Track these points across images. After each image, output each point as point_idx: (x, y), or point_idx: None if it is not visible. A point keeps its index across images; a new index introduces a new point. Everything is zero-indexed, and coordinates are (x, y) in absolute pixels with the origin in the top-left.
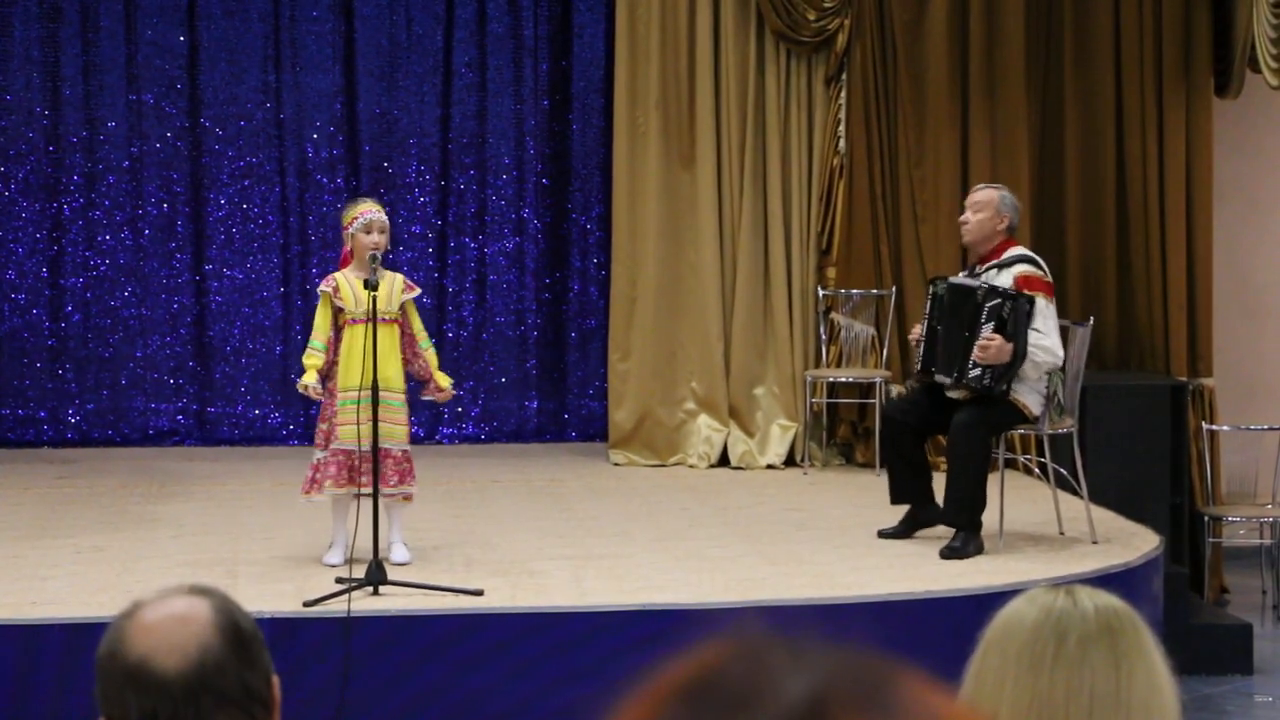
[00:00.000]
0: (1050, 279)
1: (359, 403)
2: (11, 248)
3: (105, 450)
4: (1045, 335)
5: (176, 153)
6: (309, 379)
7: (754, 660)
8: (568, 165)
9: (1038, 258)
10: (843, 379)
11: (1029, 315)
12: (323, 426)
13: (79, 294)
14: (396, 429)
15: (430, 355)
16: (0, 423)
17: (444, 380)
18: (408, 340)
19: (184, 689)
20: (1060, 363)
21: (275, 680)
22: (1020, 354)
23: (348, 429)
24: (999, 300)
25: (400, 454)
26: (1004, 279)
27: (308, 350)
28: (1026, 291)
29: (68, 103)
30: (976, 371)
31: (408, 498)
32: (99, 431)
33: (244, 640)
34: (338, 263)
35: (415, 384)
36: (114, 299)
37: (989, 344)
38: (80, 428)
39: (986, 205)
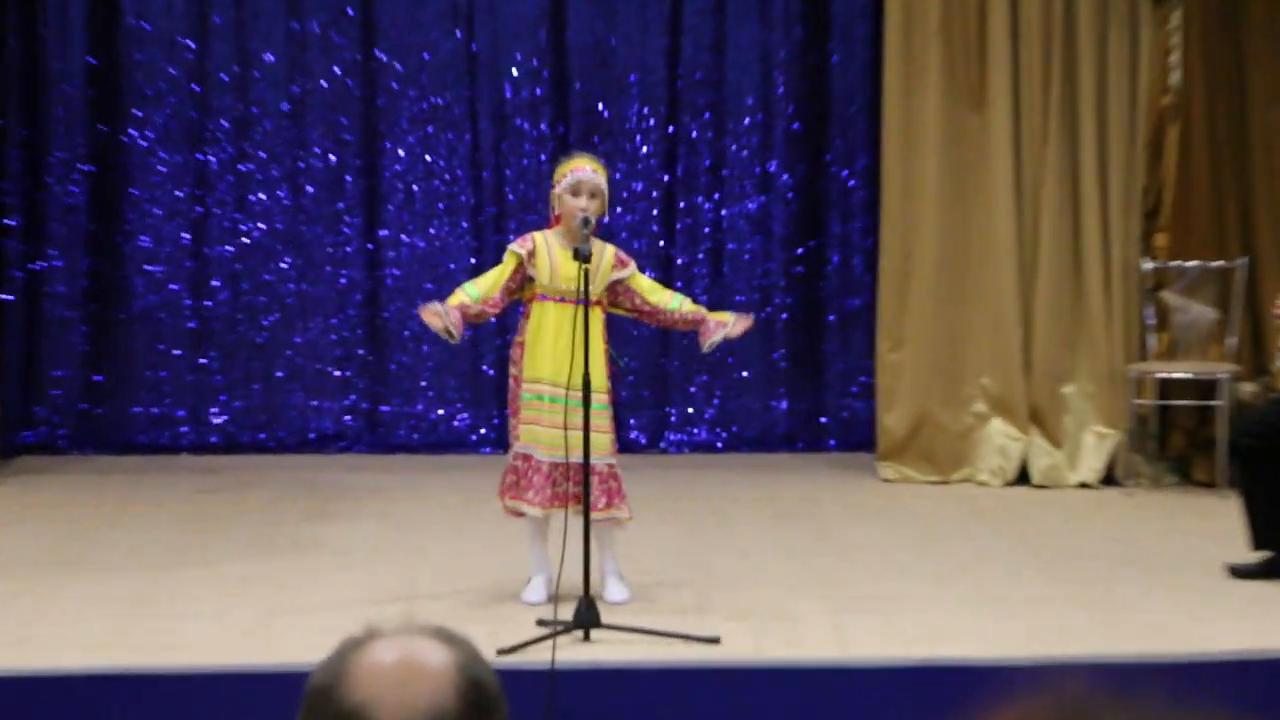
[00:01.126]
0: None
1: (547, 400)
2: (146, 209)
3: (256, 458)
4: None
5: (346, 93)
6: (445, 308)
7: None
8: (825, 107)
9: None
10: (1176, 375)
11: None
12: (512, 422)
13: (226, 266)
14: (600, 438)
15: (687, 306)
16: (131, 423)
17: (723, 315)
18: (651, 315)
19: None
20: None
21: None
22: None
23: (532, 431)
24: None
25: (606, 470)
26: None
27: (466, 285)
28: None
29: (216, 32)
30: None
31: (619, 522)
32: (248, 435)
33: (485, 708)
34: (549, 224)
35: (689, 338)
36: (268, 272)
37: None
38: (226, 430)
39: None
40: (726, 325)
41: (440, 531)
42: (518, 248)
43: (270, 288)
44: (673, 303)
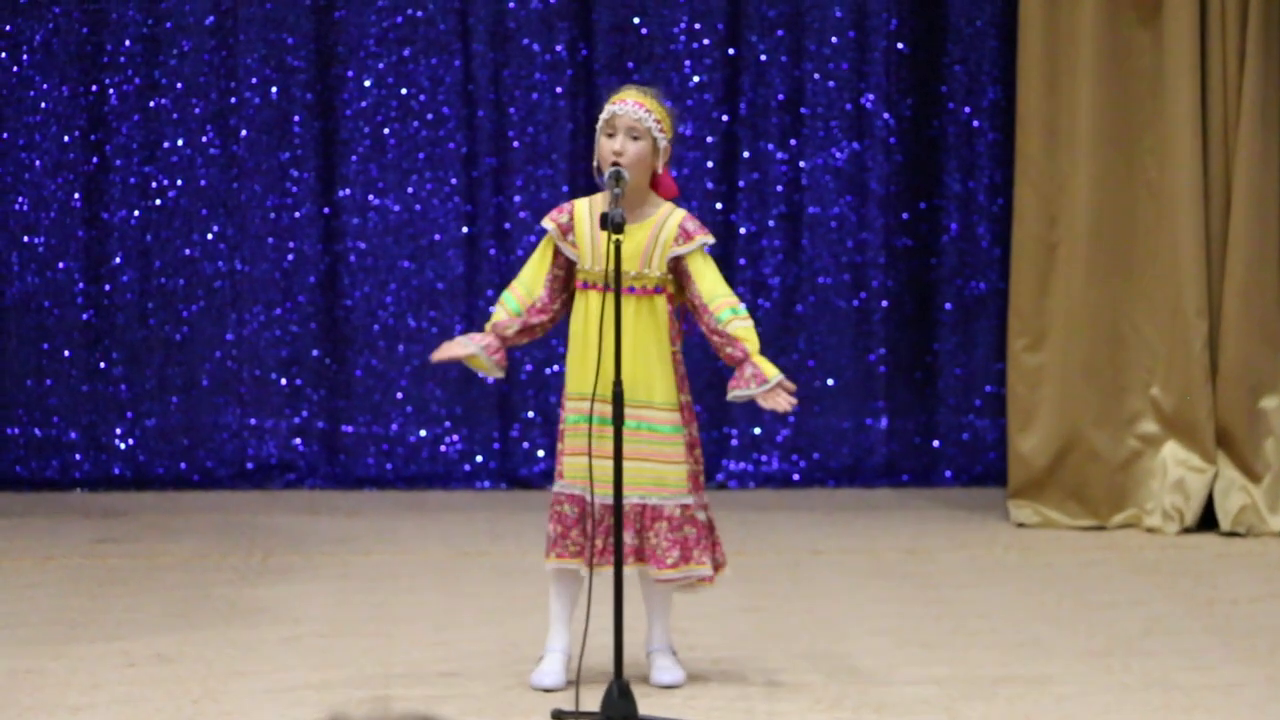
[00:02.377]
0: None
1: (599, 422)
2: (22, 159)
3: (175, 496)
4: None
5: (291, 3)
6: (466, 342)
7: None
8: (941, 19)
9: None
10: None
11: None
12: (559, 447)
13: (133, 236)
14: (669, 471)
15: (738, 328)
16: (4, 449)
17: (769, 368)
18: (698, 314)
19: None
20: None
21: None
22: None
23: (578, 462)
24: None
25: (678, 512)
26: None
27: (503, 298)
28: None
29: None
30: None
31: (702, 581)
32: (164, 464)
33: None
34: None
35: (725, 374)
36: (189, 245)
37: None
38: (133, 458)
39: None
40: (767, 383)
41: (423, 593)
42: (549, 221)
43: (192, 267)
44: (724, 311)
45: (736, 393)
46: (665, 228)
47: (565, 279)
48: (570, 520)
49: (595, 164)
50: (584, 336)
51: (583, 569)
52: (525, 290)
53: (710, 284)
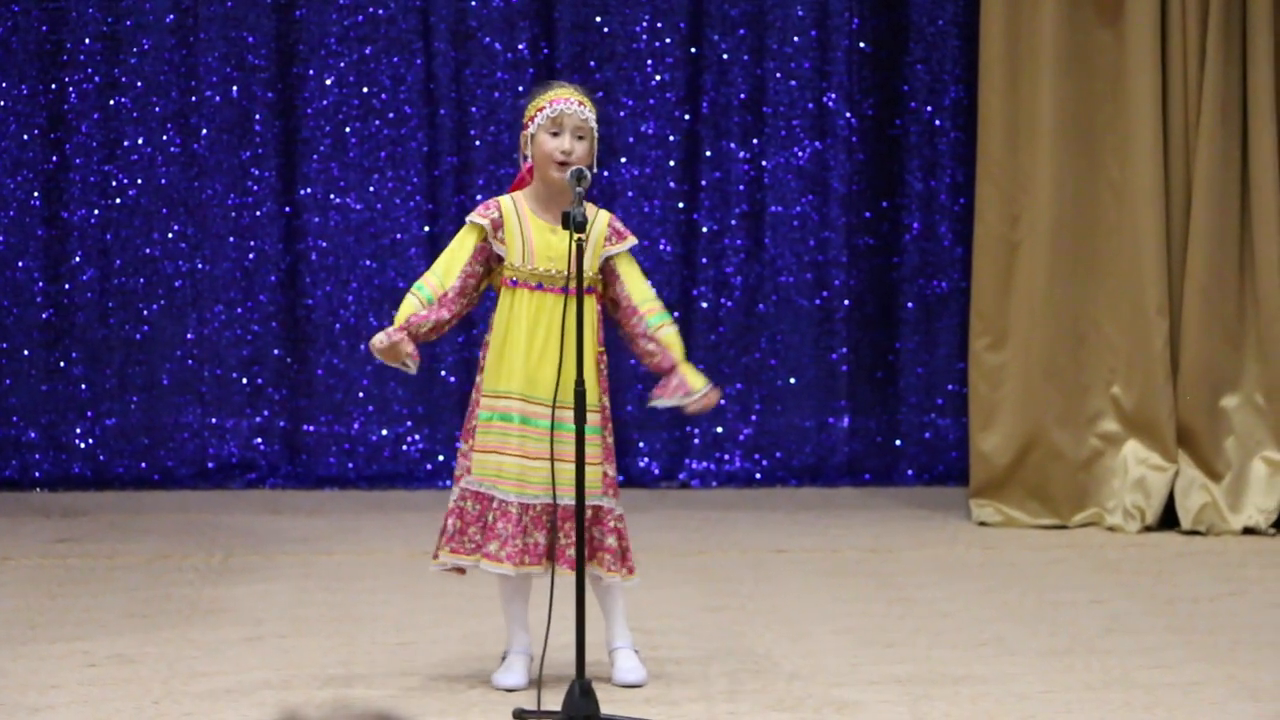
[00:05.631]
0: None
1: (517, 421)
2: None
3: (135, 495)
4: None
5: (251, 2)
6: (389, 335)
7: None
8: (904, 18)
9: None
10: None
11: None
12: (462, 447)
13: (93, 235)
14: (590, 471)
15: (668, 334)
16: None
17: (696, 378)
18: (624, 314)
19: None
20: None
21: None
22: None
23: (494, 462)
24: None
25: (607, 511)
26: None
27: (414, 288)
28: None
29: None
30: None
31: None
32: (124, 464)
33: None
34: (511, 184)
35: (645, 380)
36: (150, 244)
37: None
38: (94, 458)
39: None
40: (691, 395)
41: (386, 593)
42: (479, 217)
43: (152, 266)
44: (654, 316)
45: (661, 401)
46: (595, 227)
47: (481, 277)
48: (470, 517)
49: (523, 157)
50: (506, 334)
51: (507, 568)
52: (438, 281)
53: (639, 286)
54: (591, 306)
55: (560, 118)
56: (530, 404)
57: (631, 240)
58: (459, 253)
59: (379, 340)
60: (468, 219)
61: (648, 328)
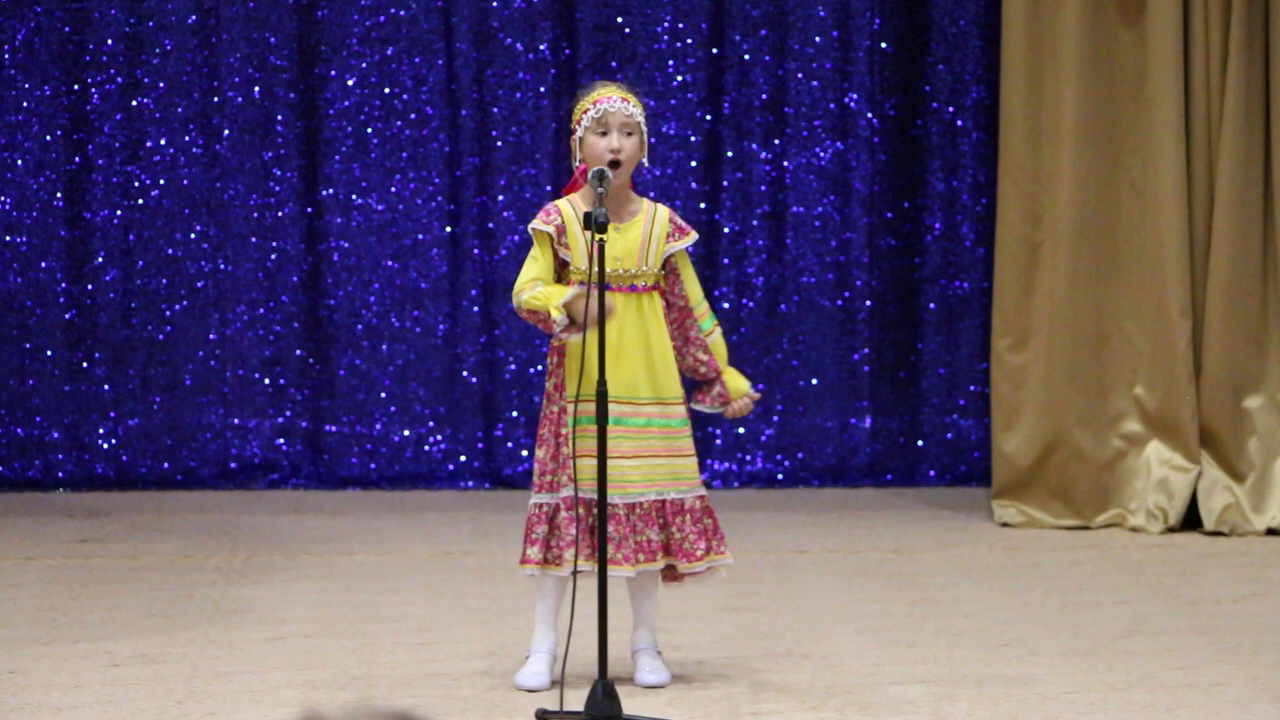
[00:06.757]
0: None
1: (617, 422)
2: (7, 158)
3: (158, 496)
4: None
5: (273, 2)
6: (553, 310)
7: None
8: (925, 18)
9: None
10: None
11: None
12: (540, 453)
13: (115, 236)
14: (683, 465)
15: (716, 341)
16: None
17: (739, 382)
18: (681, 314)
19: None
20: None
21: None
22: None
23: (585, 465)
24: None
25: (698, 504)
26: None
27: (525, 286)
28: None
29: None
30: None
31: (720, 569)
32: (147, 464)
33: None
34: (564, 189)
35: (686, 385)
36: (172, 244)
37: None
38: (117, 458)
39: None
40: (731, 403)
41: (407, 593)
42: (544, 224)
43: (175, 266)
44: (706, 320)
45: (703, 407)
46: (656, 223)
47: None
48: (564, 524)
49: (576, 160)
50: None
51: (627, 569)
52: (543, 279)
53: (695, 287)
54: (660, 301)
55: (605, 117)
56: (618, 404)
57: (693, 235)
58: (543, 258)
59: (566, 299)
60: (531, 227)
61: (700, 331)
